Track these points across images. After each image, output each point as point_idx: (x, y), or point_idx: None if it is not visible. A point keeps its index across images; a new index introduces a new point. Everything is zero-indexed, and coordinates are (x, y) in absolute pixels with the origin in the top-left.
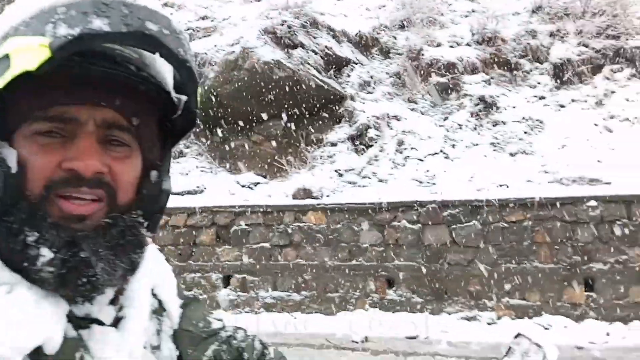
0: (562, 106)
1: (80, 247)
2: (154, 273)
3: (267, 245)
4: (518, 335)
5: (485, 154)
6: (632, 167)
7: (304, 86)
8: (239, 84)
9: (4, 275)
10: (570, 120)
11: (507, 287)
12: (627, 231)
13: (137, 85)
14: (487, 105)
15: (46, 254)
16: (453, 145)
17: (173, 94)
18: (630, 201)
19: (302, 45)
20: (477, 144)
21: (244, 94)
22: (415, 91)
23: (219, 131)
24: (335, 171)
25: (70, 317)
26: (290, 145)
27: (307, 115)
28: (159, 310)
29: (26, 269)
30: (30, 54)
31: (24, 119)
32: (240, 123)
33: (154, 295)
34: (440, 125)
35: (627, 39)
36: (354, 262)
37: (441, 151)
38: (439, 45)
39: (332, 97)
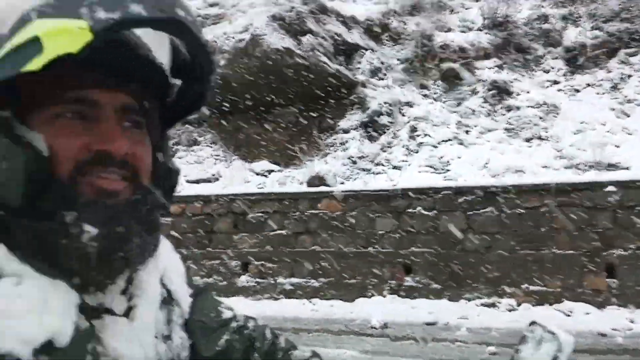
0: (577, 91)
1: (117, 222)
2: (162, 262)
3: (283, 232)
4: (532, 323)
5: (499, 139)
6: None
7: (314, 73)
8: (250, 71)
9: (12, 266)
10: (586, 105)
11: (526, 273)
12: None
13: (147, 71)
14: (500, 91)
15: (90, 229)
16: (467, 131)
17: (170, 79)
18: None
19: (312, 32)
20: (491, 130)
21: (255, 81)
22: (428, 77)
23: (231, 119)
24: (349, 158)
25: (82, 307)
26: (303, 132)
27: (319, 103)
28: (168, 300)
29: (65, 247)
30: (68, 38)
31: (43, 104)
32: (253, 111)
33: (163, 284)
34: (453, 111)
35: None
36: (370, 249)
37: (455, 137)
38: (449, 30)
39: (343, 84)
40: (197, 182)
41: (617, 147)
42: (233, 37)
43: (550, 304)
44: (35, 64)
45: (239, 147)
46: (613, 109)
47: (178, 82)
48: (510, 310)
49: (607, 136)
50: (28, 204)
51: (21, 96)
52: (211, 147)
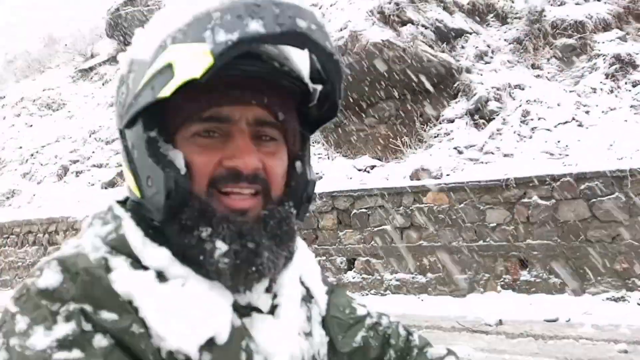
0: None
1: (247, 239)
2: (300, 261)
3: (388, 227)
4: None
5: (625, 118)
6: None
7: (415, 63)
8: (350, 68)
9: (177, 269)
10: None
11: None
12: None
13: (281, 81)
14: (624, 65)
15: (221, 246)
16: (587, 112)
17: (310, 85)
18: None
19: (412, 21)
20: (614, 108)
21: (355, 77)
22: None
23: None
24: (454, 149)
25: (234, 306)
26: (405, 125)
27: (421, 93)
28: (307, 298)
29: (202, 262)
30: (192, 62)
31: (183, 122)
32: (354, 107)
33: (302, 282)
34: (570, 91)
35: None
36: (480, 242)
37: (573, 119)
38: (562, 3)
39: (446, 71)
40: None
41: None
42: (332, 35)
43: None
44: (166, 91)
45: (340, 145)
46: None
47: (319, 87)
48: None
49: None
50: (172, 218)
51: (166, 116)
52: (313, 145)
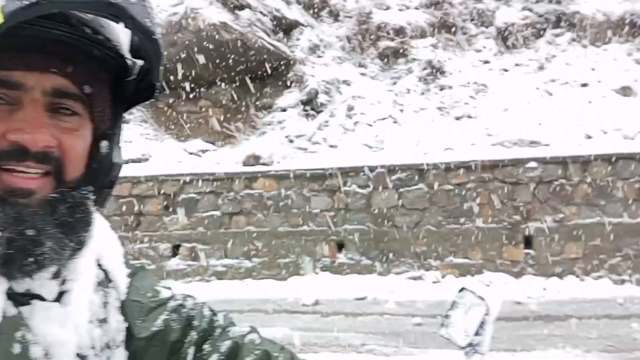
0: (506, 70)
1: (27, 225)
2: (99, 243)
3: (217, 213)
4: (462, 289)
5: (432, 118)
6: (570, 128)
7: (252, 49)
8: (184, 46)
9: None
10: (513, 84)
11: (451, 247)
12: (563, 191)
13: (92, 50)
14: (434, 70)
15: None
16: (401, 110)
17: (129, 58)
18: (567, 162)
19: (250, 7)
20: (424, 109)
21: (189, 57)
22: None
23: (162, 97)
24: (286, 137)
25: (9, 294)
26: (239, 111)
27: (256, 80)
28: (105, 282)
29: None
30: None
31: None
32: (187, 88)
33: (99, 266)
34: (389, 90)
35: (568, 4)
36: (305, 227)
37: (390, 116)
38: (388, 8)
39: (281, 61)
40: (126, 162)
41: (540, 124)
42: (166, 10)
43: (472, 275)
44: None
45: (171, 126)
46: (538, 88)
47: (140, 62)
48: (435, 283)
49: (530, 114)
50: None
51: None
52: (141, 125)
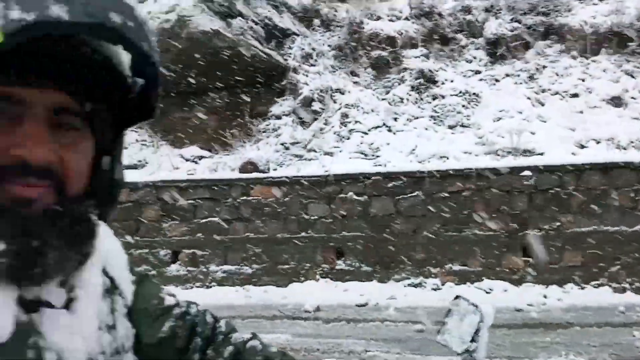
0: (497, 80)
1: (31, 236)
2: (104, 251)
3: (215, 219)
4: (457, 297)
5: (425, 126)
6: (562, 138)
7: (245, 57)
8: (177, 53)
9: None
10: (505, 94)
11: (450, 254)
12: (559, 199)
13: (92, 68)
14: (426, 79)
15: None
16: (395, 119)
17: (129, 76)
18: (561, 170)
19: (242, 15)
20: (417, 117)
21: (183, 64)
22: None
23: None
24: (281, 144)
25: (19, 301)
26: (234, 118)
27: (250, 88)
28: (111, 289)
29: None
30: None
31: None
32: (181, 95)
33: (105, 273)
34: (382, 99)
35: (556, 16)
36: (303, 234)
37: (384, 124)
38: (378, 18)
39: (274, 69)
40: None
41: (533, 133)
42: (158, 17)
43: (472, 283)
44: None
45: (166, 133)
46: (529, 98)
47: (141, 80)
48: (435, 290)
49: (523, 124)
50: None
51: None
52: (137, 131)
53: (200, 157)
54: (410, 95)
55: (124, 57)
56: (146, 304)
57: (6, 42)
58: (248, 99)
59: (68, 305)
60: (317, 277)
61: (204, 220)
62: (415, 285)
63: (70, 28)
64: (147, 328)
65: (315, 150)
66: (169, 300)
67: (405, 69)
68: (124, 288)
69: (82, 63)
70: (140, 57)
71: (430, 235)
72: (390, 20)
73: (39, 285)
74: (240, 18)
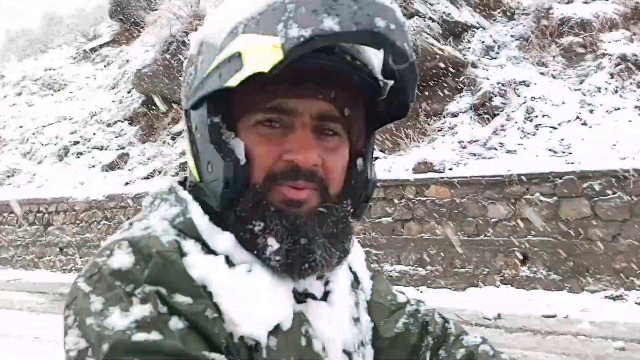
0: None
1: (301, 234)
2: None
3: (389, 219)
4: None
5: (629, 118)
6: None
7: (421, 55)
8: None
9: (242, 255)
10: None
11: None
12: None
13: (351, 76)
14: (629, 65)
15: (273, 244)
16: (591, 111)
17: (381, 79)
18: None
19: (418, 14)
20: (618, 108)
21: None
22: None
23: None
24: (458, 143)
25: (293, 293)
26: (408, 117)
27: (426, 86)
28: (355, 284)
29: (256, 256)
30: (262, 55)
31: (246, 110)
32: None
33: (349, 268)
34: (575, 90)
35: None
36: (482, 237)
37: (577, 117)
38: (570, 1)
39: (451, 65)
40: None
41: None
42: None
43: None
44: (233, 81)
45: None
46: None
47: (390, 82)
48: (638, 304)
49: None
50: (228, 207)
51: (231, 103)
52: None
53: (375, 158)
54: (609, 83)
55: (376, 61)
56: (382, 300)
57: (288, 58)
58: (423, 98)
59: (325, 297)
60: (498, 282)
61: (377, 220)
62: (615, 298)
63: (342, 37)
64: (383, 322)
65: (495, 148)
66: (401, 297)
67: (603, 55)
68: (364, 283)
69: (342, 71)
70: (399, 57)
71: (635, 242)
72: (585, 3)
73: (306, 279)
74: (417, 17)
